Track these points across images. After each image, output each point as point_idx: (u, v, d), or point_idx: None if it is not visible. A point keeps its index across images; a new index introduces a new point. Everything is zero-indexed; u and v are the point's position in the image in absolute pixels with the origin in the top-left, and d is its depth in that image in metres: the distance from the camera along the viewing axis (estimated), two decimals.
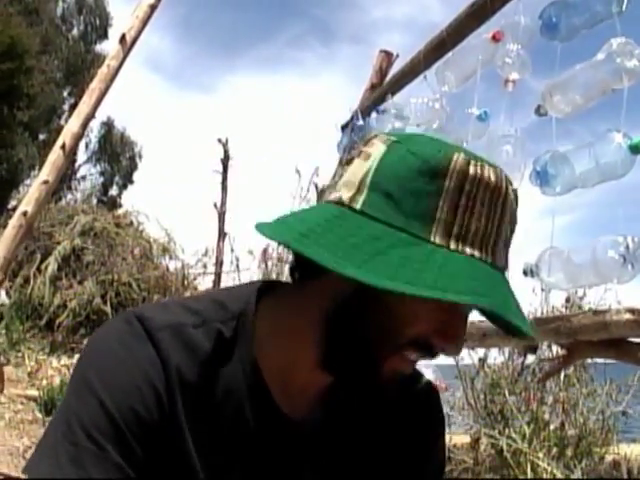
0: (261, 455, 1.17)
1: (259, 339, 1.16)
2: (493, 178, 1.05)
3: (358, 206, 1.05)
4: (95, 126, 31.48)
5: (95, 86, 6.60)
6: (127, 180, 32.06)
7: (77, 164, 32.08)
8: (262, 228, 1.08)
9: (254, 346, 1.16)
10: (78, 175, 32.46)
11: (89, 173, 32.69)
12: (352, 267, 0.98)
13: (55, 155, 6.30)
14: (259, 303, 1.19)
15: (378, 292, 0.97)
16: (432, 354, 1.10)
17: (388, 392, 1.16)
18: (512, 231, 1.10)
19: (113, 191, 32.14)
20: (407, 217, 1.03)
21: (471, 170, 1.04)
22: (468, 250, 1.03)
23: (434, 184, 1.04)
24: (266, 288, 1.23)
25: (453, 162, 1.04)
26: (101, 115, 30.15)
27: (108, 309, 12.07)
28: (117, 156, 31.85)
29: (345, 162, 1.16)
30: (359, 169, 1.08)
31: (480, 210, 1.04)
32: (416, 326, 1.06)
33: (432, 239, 1.02)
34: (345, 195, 1.08)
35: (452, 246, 1.02)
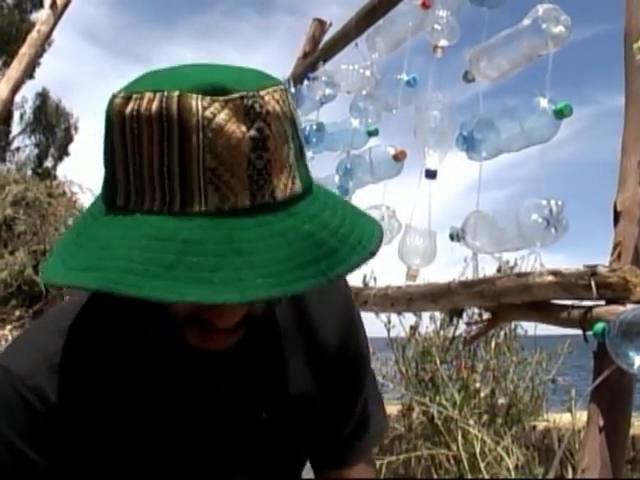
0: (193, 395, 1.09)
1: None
2: (156, 106, 0.82)
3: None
4: (30, 97, 31.00)
5: (25, 51, 6.50)
6: (62, 152, 31.61)
7: (11, 135, 31.54)
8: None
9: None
10: (12, 147, 31.94)
11: (24, 144, 32.18)
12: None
13: None
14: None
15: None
16: (212, 328, 0.92)
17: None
18: (216, 159, 0.82)
19: (48, 163, 31.70)
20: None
21: (128, 108, 0.84)
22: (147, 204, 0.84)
23: (107, 143, 0.88)
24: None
25: (112, 107, 0.86)
26: (36, 86, 29.67)
27: (40, 280, 11.76)
28: (52, 127, 31.37)
29: None
30: None
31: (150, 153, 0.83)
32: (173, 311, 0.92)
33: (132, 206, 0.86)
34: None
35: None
